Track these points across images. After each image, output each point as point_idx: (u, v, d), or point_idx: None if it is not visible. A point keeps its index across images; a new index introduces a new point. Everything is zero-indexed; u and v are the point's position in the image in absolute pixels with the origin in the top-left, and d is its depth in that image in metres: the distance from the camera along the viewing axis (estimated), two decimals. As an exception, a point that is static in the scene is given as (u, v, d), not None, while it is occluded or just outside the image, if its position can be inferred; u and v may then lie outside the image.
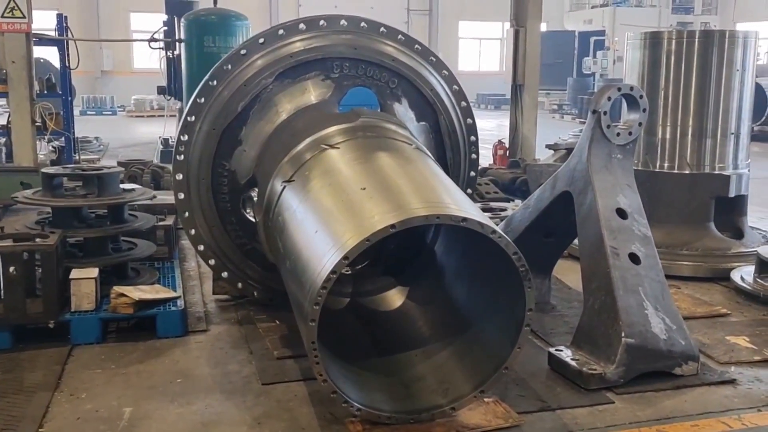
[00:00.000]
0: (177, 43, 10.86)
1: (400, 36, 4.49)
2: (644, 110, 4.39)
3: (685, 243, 5.80)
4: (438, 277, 4.04)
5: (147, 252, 4.91)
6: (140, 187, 5.26)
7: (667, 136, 6.03)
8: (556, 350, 3.96)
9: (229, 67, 4.29)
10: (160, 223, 5.44)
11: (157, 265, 5.29)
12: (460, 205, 3.18)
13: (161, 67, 12.13)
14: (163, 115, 17.07)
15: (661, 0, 29.75)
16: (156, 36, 11.50)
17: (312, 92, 4.36)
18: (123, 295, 4.28)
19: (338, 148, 3.75)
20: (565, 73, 26.38)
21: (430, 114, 4.61)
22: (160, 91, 12.19)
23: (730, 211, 6.07)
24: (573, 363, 3.80)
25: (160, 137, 13.25)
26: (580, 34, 28.10)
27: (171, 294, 4.55)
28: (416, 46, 4.54)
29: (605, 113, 4.31)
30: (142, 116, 24.89)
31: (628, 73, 6.31)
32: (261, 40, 4.31)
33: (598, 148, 4.33)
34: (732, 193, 5.91)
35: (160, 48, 12.12)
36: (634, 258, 4.02)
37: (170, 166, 8.31)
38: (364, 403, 3.16)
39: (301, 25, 4.34)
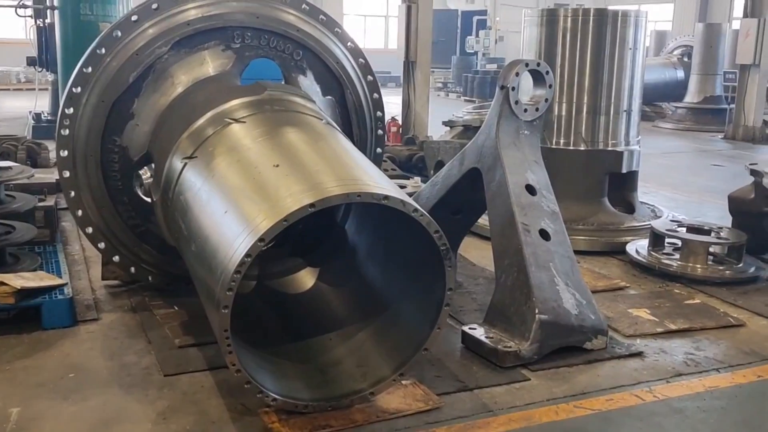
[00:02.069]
0: (49, 11, 10.11)
1: (304, 5, 4.28)
2: (550, 86, 4.38)
3: (581, 218, 5.91)
4: (350, 257, 3.89)
5: (27, 236, 4.50)
6: (16, 164, 4.81)
7: (563, 113, 6.12)
8: (470, 328, 3.91)
9: (119, 34, 3.95)
10: (40, 204, 5.00)
11: (38, 249, 4.88)
12: (378, 182, 3.04)
13: (30, 36, 11.28)
14: (32, 89, 15.97)
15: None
16: (24, 2, 10.66)
17: (211, 63, 4.09)
18: (2, 283, 3.89)
19: (244, 122, 3.52)
20: (449, 51, 26.65)
21: (336, 88, 4.44)
22: (30, 62, 11.37)
23: (621, 187, 6.24)
24: (487, 341, 3.76)
25: (30, 112, 12.36)
26: (462, 13, 28.41)
27: (56, 281, 4.19)
28: (321, 16, 4.34)
29: (513, 89, 4.27)
30: (8, 90, 23.23)
31: (525, 49, 6.34)
32: (154, 6, 3.99)
33: (506, 125, 4.30)
34: (624, 169, 6.08)
35: (28, 16, 11.27)
36: (544, 234, 4.01)
37: (47, 143, 7.76)
38: (280, 393, 3.00)
39: (199, -9, 4.05)
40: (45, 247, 4.93)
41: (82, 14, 8.43)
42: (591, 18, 5.95)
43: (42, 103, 12.54)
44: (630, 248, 5.52)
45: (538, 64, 4.36)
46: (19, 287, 3.88)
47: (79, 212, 4.17)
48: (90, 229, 4.22)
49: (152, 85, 4.03)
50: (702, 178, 9.63)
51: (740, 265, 5.15)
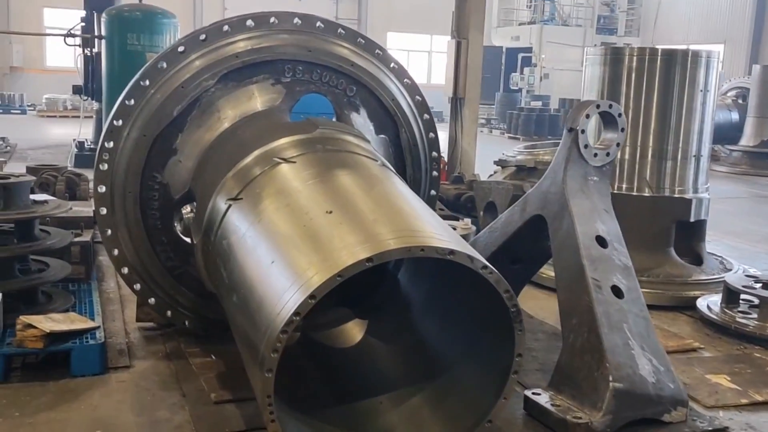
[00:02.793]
0: (96, 40, 10.09)
1: (359, 39, 4.02)
2: (622, 129, 4.05)
3: (645, 269, 5.50)
4: (403, 311, 3.57)
5: (61, 274, 4.26)
6: (54, 198, 4.60)
7: (627, 156, 5.76)
8: (533, 393, 3.55)
9: (165, 65, 3.72)
10: (76, 240, 4.78)
11: (72, 287, 4.64)
12: (441, 234, 2.73)
13: (77, 65, 11.29)
14: (77, 116, 16.07)
15: (586, 20, 30.30)
16: (73, 32, 10.67)
17: (259, 98, 3.84)
18: (31, 326, 3.65)
19: (294, 162, 3.25)
20: (493, 88, 26.45)
21: (391, 126, 4.16)
22: (76, 90, 11.36)
23: (689, 237, 5.84)
24: (554, 410, 3.39)
25: (74, 140, 12.35)
26: (507, 49, 28.25)
27: (88, 324, 3.93)
28: (377, 50, 4.07)
29: (583, 132, 3.95)
30: (54, 116, 23.59)
31: (587, 89, 6.01)
32: (202, 37, 3.76)
33: (573, 170, 3.97)
34: (693, 218, 5.69)
35: (76, 45, 11.28)
36: (617, 291, 3.65)
37: (87, 173, 7.60)
38: (326, 466, 2.67)
39: (249, 22, 3.81)
40: (80, 284, 4.70)
41: (129, 44, 8.35)
42: (659, 58, 5.61)
43: (86, 131, 12.53)
44: (701, 304, 5.10)
45: (611, 106, 4.03)
46: (48, 330, 3.62)
47: (116, 251, 3.93)
48: (126, 270, 3.97)
49: (197, 119, 3.79)
50: (766, 227, 9.13)
51: (825, 327, 4.71)
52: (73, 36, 10.48)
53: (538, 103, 23.38)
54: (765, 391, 3.88)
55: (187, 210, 3.89)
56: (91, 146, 11.48)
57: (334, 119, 3.98)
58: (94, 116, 11.88)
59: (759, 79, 15.24)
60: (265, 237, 2.91)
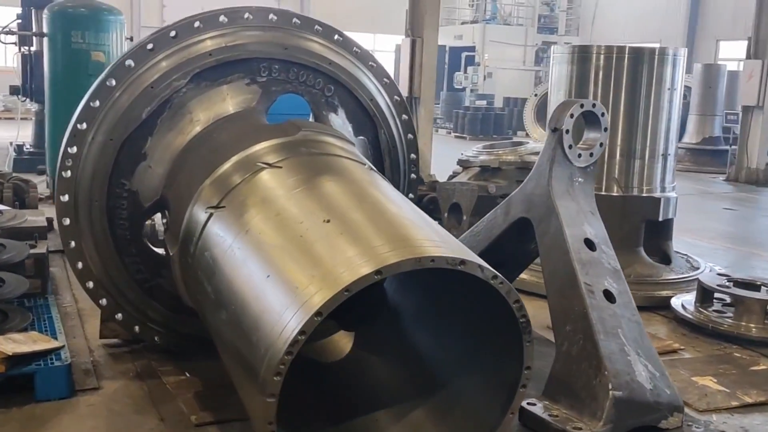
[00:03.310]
0: (36, 38, 9.61)
1: (336, 36, 3.84)
2: (605, 129, 3.98)
3: (617, 269, 5.47)
4: (391, 321, 3.41)
5: (18, 290, 3.96)
6: (7, 207, 4.28)
7: (594, 155, 5.70)
8: (528, 403, 3.42)
9: (132, 64, 3.48)
10: (31, 251, 4.46)
11: (28, 302, 4.34)
12: (447, 243, 2.59)
13: (15, 64, 10.74)
14: (11, 118, 15.40)
15: (527, 20, 30.63)
16: (11, 29, 10.14)
17: (233, 99, 3.63)
18: (-11, 348, 3.37)
19: (280, 167, 3.05)
20: (437, 86, 26.43)
21: (370, 127, 4.00)
22: (14, 91, 10.77)
23: (656, 236, 5.83)
24: (552, 420, 3.28)
25: (11, 143, 11.79)
26: (450, 48, 28.31)
27: (52, 344, 3.66)
28: (354, 48, 3.90)
29: (567, 132, 3.86)
30: (-15, 119, 22.62)
31: (554, 88, 5.95)
32: (172, 33, 3.53)
33: (559, 171, 3.88)
34: (661, 217, 5.68)
35: (12, 43, 10.74)
36: (608, 295, 3.57)
37: (34, 179, 7.22)
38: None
39: (222, 18, 3.59)
40: (35, 300, 4.39)
41: (74, 42, 7.92)
42: (626, 56, 5.59)
43: (24, 134, 11.97)
44: (675, 303, 5.09)
45: (594, 105, 3.95)
46: (10, 353, 3.35)
47: (80, 264, 3.66)
48: (91, 284, 3.71)
49: (168, 122, 3.56)
50: (719, 224, 9.28)
51: (799, 325, 4.73)
52: (11, 33, 9.96)
53: (483, 102, 23.47)
54: (753, 393, 3.85)
55: (152, 220, 3.66)
56: (31, 149, 10.97)
57: (310, 120, 3.80)
58: (34, 118, 11.34)
59: (700, 77, 15.57)
60: (255, 249, 2.71)
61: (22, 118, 13.08)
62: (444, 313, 3.14)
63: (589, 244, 3.72)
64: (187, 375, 3.76)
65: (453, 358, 3.00)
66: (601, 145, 3.98)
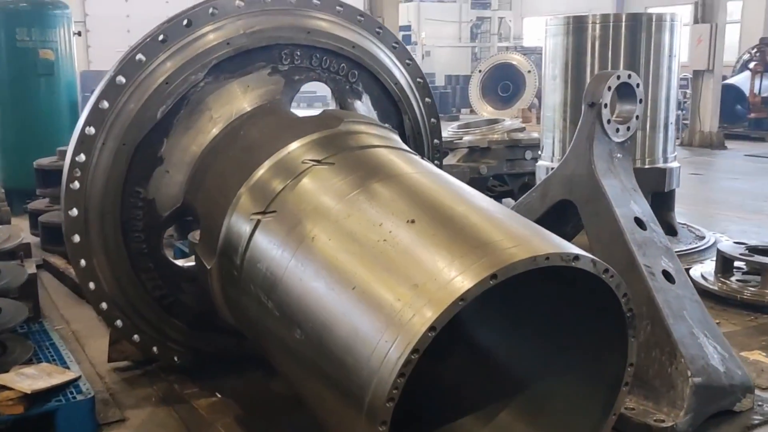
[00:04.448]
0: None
1: (359, 16, 3.53)
2: (640, 101, 3.79)
3: (629, 244, 5.33)
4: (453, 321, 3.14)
5: (18, 317, 3.53)
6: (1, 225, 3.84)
7: (594, 129, 5.54)
8: (599, 398, 3.23)
9: (143, 58, 3.11)
10: (21, 272, 4.03)
11: (21, 329, 3.92)
12: (550, 237, 2.35)
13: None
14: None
15: (460, -5, 30.56)
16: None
17: (255, 91, 3.29)
18: (4, 387, 2.98)
19: (332, 163, 2.75)
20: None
21: (394, 113, 3.72)
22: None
23: (659, 207, 5.70)
24: (631, 414, 3.09)
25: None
26: (386, 28, 27.95)
27: (67, 375, 3.27)
28: (377, 28, 3.60)
29: (606, 106, 3.65)
30: None
31: (549, 61, 5.76)
32: (185, 22, 3.17)
33: (599, 148, 3.67)
34: (667, 188, 5.58)
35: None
36: (668, 276, 3.40)
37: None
38: None
39: (238, 2, 3.24)
40: (29, 325, 3.97)
41: (19, 40, 7.35)
42: (623, 24, 5.44)
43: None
44: (695, 275, 4.97)
45: (630, 76, 3.75)
46: (29, 391, 2.97)
47: (92, 285, 3.29)
48: (104, 305, 3.34)
49: (185, 121, 3.21)
50: (693, 190, 9.29)
51: (822, 289, 4.68)
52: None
53: (424, 81, 23.29)
54: (807, 364, 3.75)
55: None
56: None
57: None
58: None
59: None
60: (328, 258, 2.40)
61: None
62: (515, 310, 2.89)
63: (639, 223, 3.54)
64: (219, 396, 3.45)
65: (536, 357, 2.76)
66: (637, 117, 3.79)
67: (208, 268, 2.94)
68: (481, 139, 6.80)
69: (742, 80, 16.74)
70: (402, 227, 2.33)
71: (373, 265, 2.27)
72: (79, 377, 3.30)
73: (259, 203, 2.77)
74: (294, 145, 2.91)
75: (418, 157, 2.92)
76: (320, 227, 2.50)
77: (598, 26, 5.48)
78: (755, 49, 16.56)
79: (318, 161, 2.77)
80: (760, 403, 3.33)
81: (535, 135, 7.04)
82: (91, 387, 3.25)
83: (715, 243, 5.59)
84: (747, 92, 16.06)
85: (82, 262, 3.24)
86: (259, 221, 2.72)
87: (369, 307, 2.18)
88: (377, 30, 3.59)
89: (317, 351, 2.31)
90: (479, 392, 2.82)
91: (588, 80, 5.46)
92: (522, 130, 7.60)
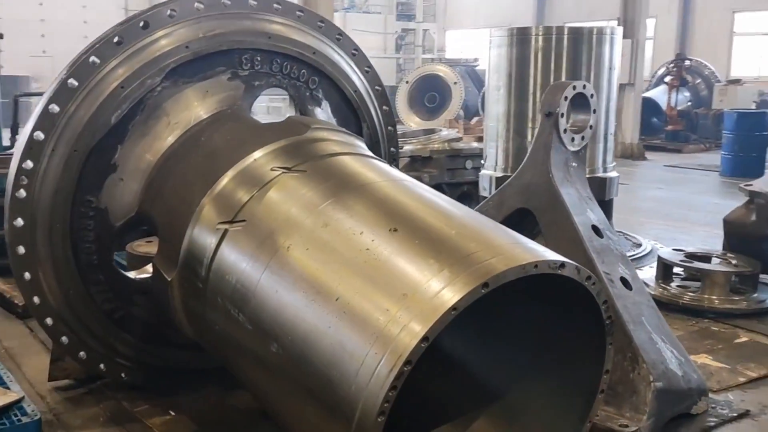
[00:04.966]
0: None
1: (320, 22, 3.47)
2: (594, 111, 3.86)
3: (572, 252, 5.43)
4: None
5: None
6: None
7: (536, 139, 5.63)
8: (562, 405, 3.25)
9: (97, 60, 2.96)
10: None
11: (-49, 347, 3.68)
12: (531, 245, 2.34)
13: None
14: None
15: (385, 7, 30.69)
16: None
17: (214, 96, 3.19)
18: (-56, 410, 2.78)
19: (303, 171, 2.68)
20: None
21: (353, 121, 3.66)
22: None
23: (599, 215, 5.84)
24: (596, 420, 3.10)
25: None
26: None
27: (9, 396, 3.08)
28: (337, 35, 3.55)
29: (562, 115, 3.70)
30: None
31: (492, 72, 5.82)
32: (141, 23, 3.04)
33: (556, 157, 3.72)
34: (607, 197, 5.70)
35: None
36: (625, 283, 3.45)
37: None
38: None
39: (198, 4, 3.13)
40: (-41, 343, 3.74)
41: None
42: (566, 36, 5.55)
43: None
44: (637, 283, 5.08)
45: (584, 86, 3.81)
46: (-26, 414, 2.78)
47: (36, 299, 3.11)
48: (50, 321, 3.16)
49: (141, 126, 3.07)
50: (619, 199, 9.48)
51: (756, 294, 4.86)
52: None
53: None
54: (752, 366, 3.88)
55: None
56: None
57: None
58: None
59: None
60: (307, 268, 2.33)
61: None
62: (491, 318, 2.88)
63: (596, 230, 3.59)
64: (172, 414, 3.31)
65: (511, 366, 2.75)
66: (590, 127, 3.85)
67: (169, 279, 2.81)
68: (422, 149, 6.81)
69: (658, 94, 17.40)
70: (384, 236, 2.28)
71: (357, 275, 2.21)
72: (23, 398, 3.11)
73: (225, 213, 2.67)
74: (259, 153, 2.82)
75: (387, 165, 2.87)
76: (296, 237, 2.42)
77: (541, 38, 5.58)
78: (672, 64, 17.21)
79: (288, 169, 2.69)
80: (713, 405, 3.42)
81: (475, 145, 7.11)
82: (36, 408, 3.08)
83: (652, 250, 5.75)
84: (663, 105, 16.68)
85: (27, 275, 3.06)
86: (226, 231, 2.62)
87: (355, 318, 2.12)
88: (337, 36, 3.54)
89: (297, 365, 2.23)
90: (456, 401, 2.79)
91: (531, 91, 5.57)
92: (459, 140, 7.66)
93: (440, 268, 2.10)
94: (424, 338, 1.96)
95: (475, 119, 16.08)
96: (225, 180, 2.78)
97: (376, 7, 30.70)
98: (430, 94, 20.29)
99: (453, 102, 19.42)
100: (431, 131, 8.19)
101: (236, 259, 2.55)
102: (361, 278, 2.20)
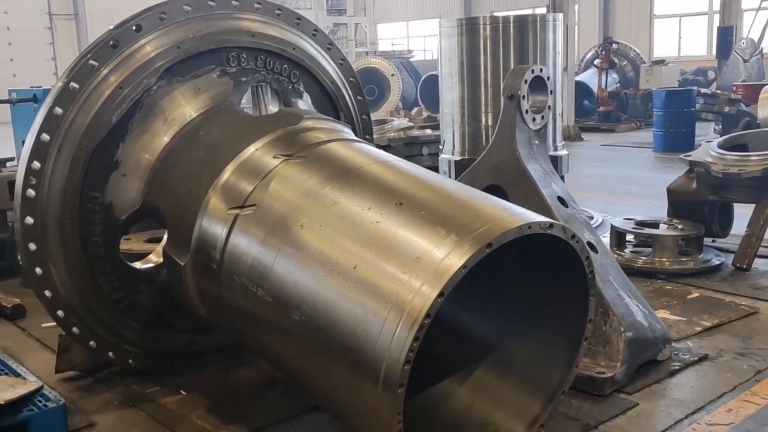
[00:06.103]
0: None
1: (297, 20, 3.70)
2: (551, 92, 4.18)
3: (530, 227, 5.78)
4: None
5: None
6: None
7: (490, 122, 5.97)
8: (543, 359, 3.57)
9: (96, 63, 3.13)
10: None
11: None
12: (521, 210, 2.62)
13: None
14: None
15: (315, 2, 30.80)
16: None
17: (206, 93, 3.38)
18: (-28, 402, 2.92)
19: (305, 156, 2.91)
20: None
21: (331, 111, 3.90)
22: None
23: (552, 192, 6.21)
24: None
25: None
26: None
27: (30, 385, 3.22)
28: (313, 31, 3.78)
29: (524, 97, 4.01)
30: None
31: (444, 61, 6.12)
32: (135, 27, 3.22)
33: (520, 136, 4.03)
34: (559, 174, 6.05)
35: None
36: (591, 247, 3.78)
37: None
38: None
39: (186, 6, 3.32)
40: (-39, 342, 3.84)
41: None
42: (512, 25, 5.87)
43: None
44: (593, 251, 5.46)
45: (541, 70, 4.14)
46: (2, 402, 2.92)
47: (48, 293, 3.26)
48: (61, 313, 3.32)
49: (140, 124, 3.25)
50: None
51: (701, 255, 5.29)
52: None
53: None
54: (705, 317, 4.27)
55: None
56: None
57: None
58: None
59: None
60: (322, 243, 2.56)
61: None
62: (486, 283, 3.16)
63: (562, 201, 3.92)
64: (183, 393, 3.50)
65: (503, 321, 3.03)
66: (549, 107, 4.17)
67: (182, 264, 3.01)
68: (380, 138, 7.08)
69: (588, 77, 18.07)
70: (391, 209, 2.54)
71: (372, 245, 2.46)
72: (42, 386, 3.26)
73: (233, 202, 2.89)
74: (258, 144, 3.04)
75: (377, 149, 3.13)
76: (307, 217, 2.66)
77: (488, 27, 5.89)
78: (600, 48, 17.88)
79: (289, 156, 2.92)
80: (676, 352, 3.78)
81: (429, 132, 7.42)
82: (57, 395, 3.24)
83: (603, 221, 6.14)
84: (594, 88, 17.34)
85: (38, 270, 3.21)
86: (237, 216, 2.84)
87: (375, 281, 2.37)
88: (313, 32, 3.77)
89: (321, 328, 2.47)
90: (455, 358, 3.06)
91: (482, 78, 5.89)
92: (411, 128, 7.95)
93: (447, 233, 2.37)
94: (440, 294, 2.23)
95: (415, 109, 16.40)
96: (228, 171, 2.98)
97: (306, 2, 30.77)
98: (369, 87, 20.51)
99: (392, 94, 19.76)
100: (383, 122, 8.46)
101: (250, 241, 2.76)
102: (375, 247, 2.45)
